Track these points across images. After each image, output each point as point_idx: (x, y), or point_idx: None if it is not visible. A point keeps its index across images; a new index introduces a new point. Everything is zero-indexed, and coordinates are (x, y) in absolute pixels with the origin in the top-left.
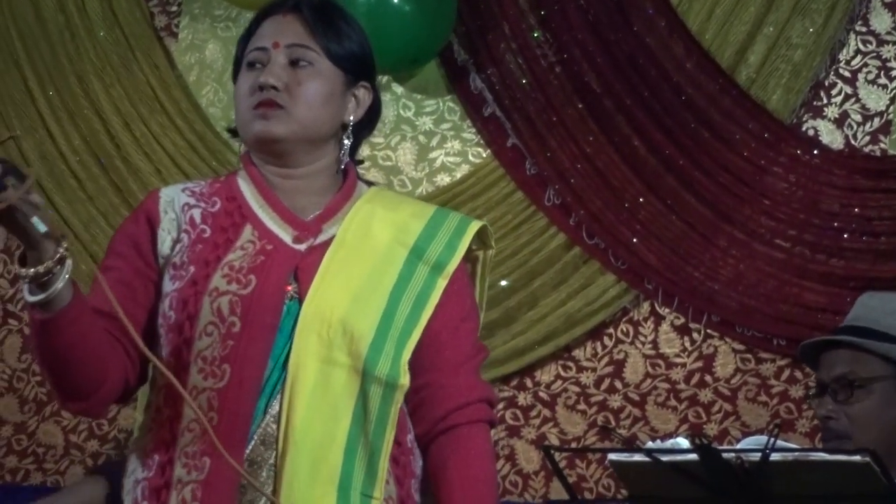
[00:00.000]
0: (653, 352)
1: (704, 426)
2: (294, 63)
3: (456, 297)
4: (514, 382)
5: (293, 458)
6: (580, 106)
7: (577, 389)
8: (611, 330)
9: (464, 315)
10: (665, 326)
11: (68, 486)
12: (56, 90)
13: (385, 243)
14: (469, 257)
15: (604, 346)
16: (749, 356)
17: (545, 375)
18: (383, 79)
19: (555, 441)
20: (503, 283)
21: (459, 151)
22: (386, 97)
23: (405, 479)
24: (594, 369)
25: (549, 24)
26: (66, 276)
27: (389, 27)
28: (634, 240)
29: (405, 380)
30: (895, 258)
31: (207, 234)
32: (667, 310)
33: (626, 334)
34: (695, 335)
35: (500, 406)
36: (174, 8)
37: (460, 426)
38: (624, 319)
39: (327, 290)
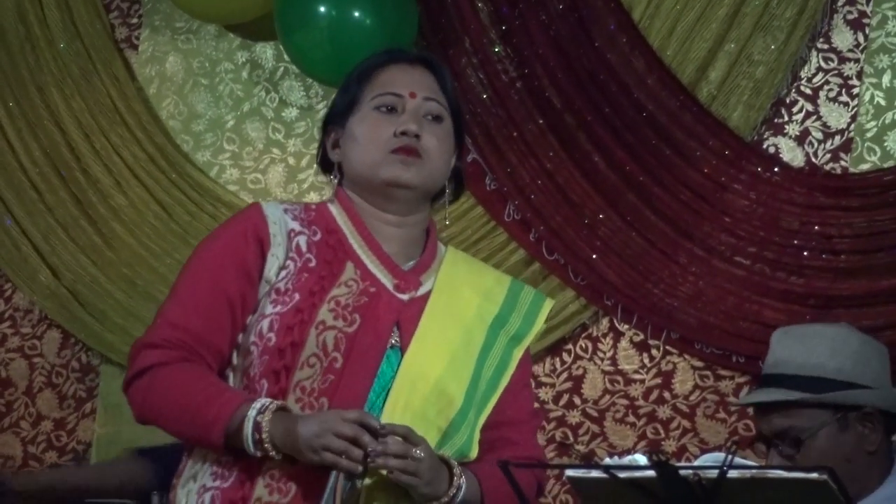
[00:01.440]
0: (612, 368)
1: (663, 442)
2: (426, 115)
3: (523, 365)
4: None
5: (375, 501)
6: (541, 121)
7: (535, 405)
8: (570, 346)
9: (526, 382)
10: (624, 343)
11: (105, 461)
12: (16, 101)
13: (474, 307)
14: None
15: (563, 362)
16: (708, 373)
17: None
18: None
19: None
20: None
21: None
22: None
23: None
24: (553, 385)
25: (510, 38)
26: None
27: (350, 40)
28: (594, 256)
29: (474, 454)
30: (855, 276)
31: (313, 264)
32: (626, 326)
33: (585, 350)
34: (654, 352)
35: None
36: (135, 20)
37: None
38: (583, 335)
39: (428, 346)
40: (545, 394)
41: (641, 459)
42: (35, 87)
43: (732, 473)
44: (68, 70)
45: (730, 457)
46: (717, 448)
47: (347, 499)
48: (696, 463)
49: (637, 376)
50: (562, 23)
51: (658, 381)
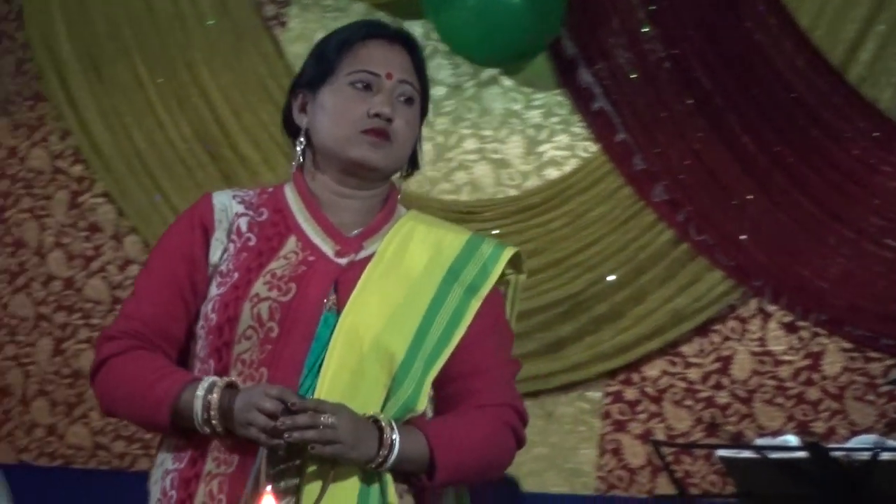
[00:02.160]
0: (760, 349)
1: (811, 424)
2: (399, 97)
3: (486, 316)
4: (621, 377)
5: (318, 458)
6: (689, 102)
7: (683, 385)
8: (718, 327)
9: (492, 331)
10: (773, 324)
11: None
12: (165, 78)
13: (422, 263)
14: (501, 281)
15: (711, 343)
16: (857, 355)
17: (652, 371)
18: (492, 72)
19: (661, 436)
20: (610, 278)
21: (568, 145)
22: (495, 90)
23: (426, 491)
24: (701, 365)
25: (659, 19)
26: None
27: (500, 21)
28: (743, 237)
29: (422, 407)
30: None
31: (252, 243)
32: (774, 307)
33: (734, 331)
34: (803, 333)
35: (607, 400)
36: None
37: (477, 410)
38: (731, 316)
39: (365, 305)
40: (693, 374)
41: (792, 440)
42: (184, 64)
43: (884, 455)
44: (217, 47)
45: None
46: (867, 430)
47: (285, 471)
48: (847, 445)
49: (786, 357)
50: (710, 3)
51: (807, 362)
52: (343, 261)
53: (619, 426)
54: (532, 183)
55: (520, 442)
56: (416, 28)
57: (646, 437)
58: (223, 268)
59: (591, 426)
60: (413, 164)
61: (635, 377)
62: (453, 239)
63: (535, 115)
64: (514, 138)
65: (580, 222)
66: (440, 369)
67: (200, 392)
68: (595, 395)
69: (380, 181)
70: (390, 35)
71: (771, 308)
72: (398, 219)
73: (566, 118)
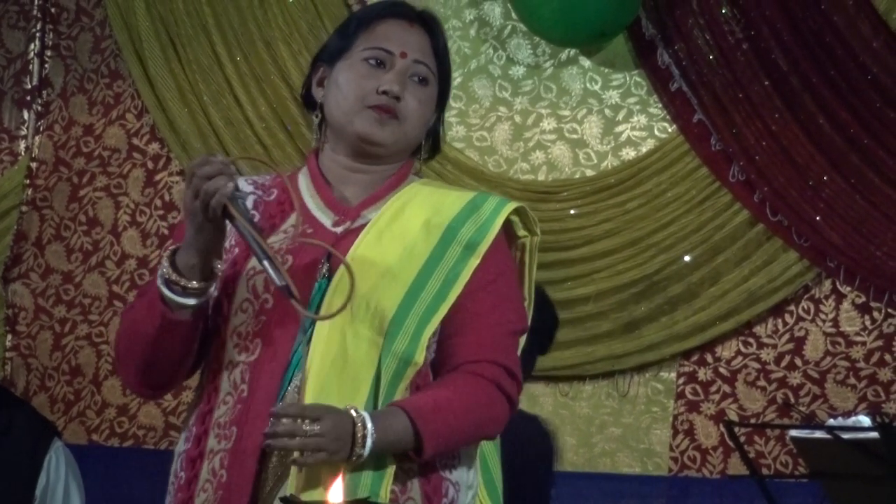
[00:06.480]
0: (833, 330)
1: (884, 405)
2: (412, 76)
3: (486, 271)
4: (695, 357)
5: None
6: (766, 83)
7: (757, 366)
8: (792, 307)
9: (488, 286)
10: (846, 305)
11: None
12: (244, 56)
13: (419, 223)
14: (517, 244)
15: (785, 324)
16: None
17: (726, 351)
18: (571, 52)
19: (734, 417)
20: (686, 258)
21: (645, 126)
22: (573, 70)
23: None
24: (775, 346)
25: (737, 0)
26: (213, 293)
27: (579, 1)
28: (818, 218)
29: (420, 357)
30: None
31: (255, 220)
32: (848, 288)
33: (808, 312)
34: (875, 314)
35: (681, 381)
36: None
37: (458, 371)
38: (805, 297)
39: (355, 267)
40: (767, 354)
41: (865, 421)
42: (263, 42)
43: None
44: (296, 25)
45: None
46: None
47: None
48: None
49: (858, 338)
50: None
51: (880, 343)
52: (339, 229)
53: (693, 407)
54: (609, 163)
55: (508, 398)
56: (495, 8)
57: (719, 417)
58: (226, 244)
59: (664, 407)
60: (434, 146)
61: (709, 358)
62: (455, 199)
63: (613, 96)
64: (592, 118)
65: (657, 203)
66: (438, 326)
67: (160, 273)
68: (669, 375)
69: (389, 159)
70: (411, 16)
71: (845, 289)
72: (405, 187)
73: (644, 99)
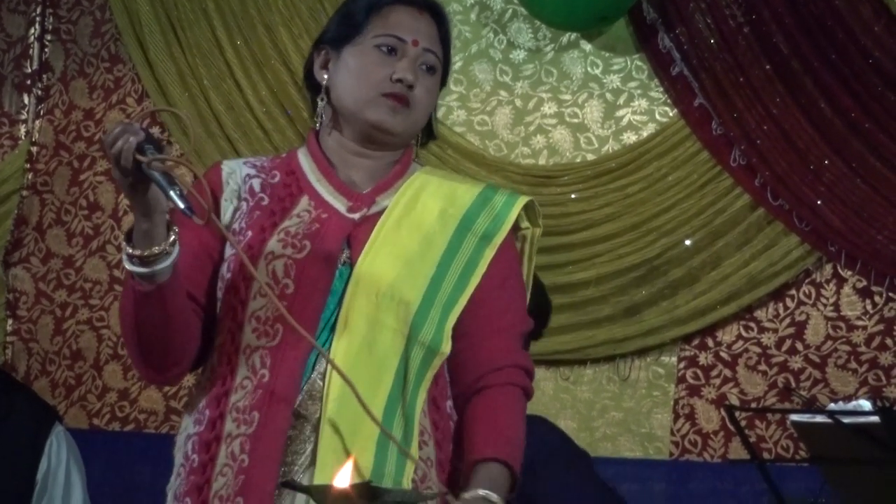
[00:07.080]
0: (834, 314)
1: (884, 389)
2: (422, 65)
3: (499, 266)
4: (696, 342)
5: (336, 413)
6: (767, 67)
7: (758, 350)
8: (793, 291)
9: (503, 283)
10: (847, 289)
11: None
12: (244, 40)
13: (435, 214)
14: (517, 236)
15: (786, 308)
16: None
17: (726, 335)
18: (572, 36)
19: (735, 401)
20: (687, 242)
21: (646, 110)
22: (574, 54)
23: (444, 443)
24: (775, 330)
25: None
26: (176, 255)
27: None
28: (819, 202)
29: (446, 347)
30: None
31: (266, 203)
32: (849, 272)
33: (808, 296)
34: (877, 298)
35: (682, 365)
36: None
37: (492, 388)
38: (806, 281)
39: (378, 256)
40: (768, 339)
41: (866, 405)
42: (263, 26)
43: None
44: (297, 9)
45: None
46: None
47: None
48: None
49: (860, 322)
50: None
51: (881, 327)
52: (356, 216)
53: (694, 391)
54: (610, 147)
55: (529, 398)
56: None
57: (719, 401)
58: (235, 226)
59: (665, 391)
60: (429, 132)
61: (710, 342)
62: (466, 190)
63: (613, 80)
64: (593, 102)
65: (657, 187)
66: (458, 318)
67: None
68: (670, 359)
69: (396, 146)
70: (420, 3)
71: (846, 273)
72: (412, 174)
73: (645, 83)
